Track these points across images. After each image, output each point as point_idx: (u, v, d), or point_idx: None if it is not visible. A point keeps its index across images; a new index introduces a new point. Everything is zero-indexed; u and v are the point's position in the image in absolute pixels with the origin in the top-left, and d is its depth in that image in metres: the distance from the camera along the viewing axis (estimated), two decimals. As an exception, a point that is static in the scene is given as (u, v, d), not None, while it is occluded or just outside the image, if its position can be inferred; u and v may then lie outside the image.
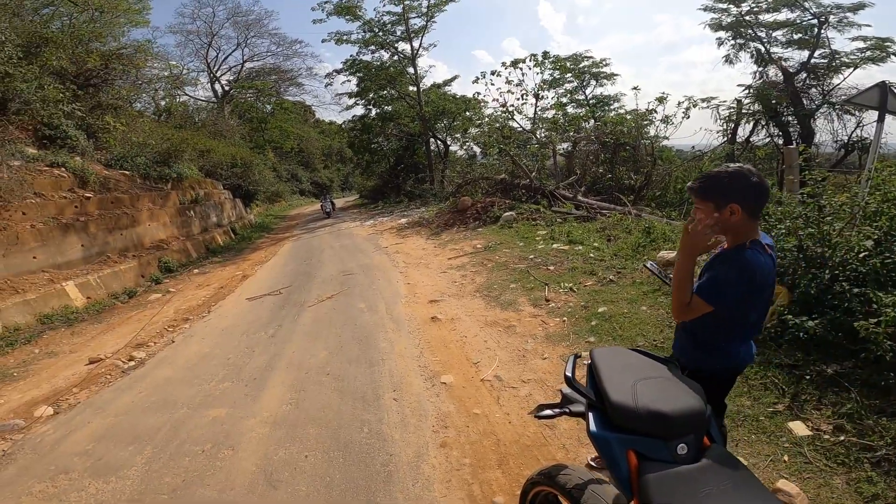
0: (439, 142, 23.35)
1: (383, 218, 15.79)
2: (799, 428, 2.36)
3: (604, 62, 20.09)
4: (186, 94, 25.71)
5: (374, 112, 23.38)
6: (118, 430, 3.32)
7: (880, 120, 3.59)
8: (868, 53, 12.08)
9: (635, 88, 15.94)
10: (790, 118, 13.37)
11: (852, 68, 12.40)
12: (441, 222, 11.78)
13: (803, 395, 2.74)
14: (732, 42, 14.31)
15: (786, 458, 2.24)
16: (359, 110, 24.35)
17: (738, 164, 1.67)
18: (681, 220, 9.19)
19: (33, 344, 5.38)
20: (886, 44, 11.85)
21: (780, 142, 13.31)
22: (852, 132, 12.92)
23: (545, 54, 14.47)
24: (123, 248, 8.80)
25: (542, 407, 1.51)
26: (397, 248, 9.79)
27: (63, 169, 8.38)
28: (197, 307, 6.74)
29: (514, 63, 13.63)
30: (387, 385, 3.61)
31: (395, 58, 21.02)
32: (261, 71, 29.59)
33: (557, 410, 1.44)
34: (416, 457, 2.71)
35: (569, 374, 1.49)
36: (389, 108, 22.73)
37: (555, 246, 7.24)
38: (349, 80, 22.75)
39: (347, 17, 19.79)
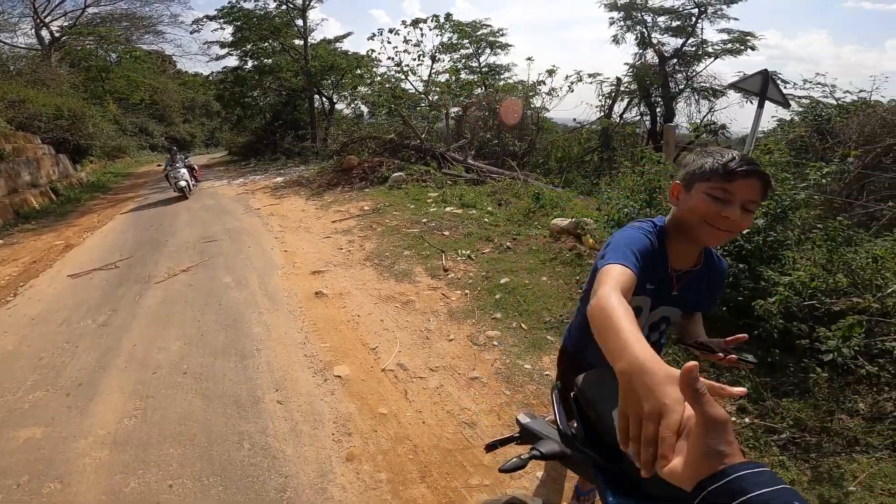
0: (325, 99, 21.48)
1: (256, 176, 14.02)
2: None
3: (501, 32, 20.29)
4: (1, 41, 21.10)
5: (250, 64, 20.59)
6: None
7: (760, 105, 3.77)
8: (729, 45, 13.64)
9: (529, 59, 16.40)
10: (658, 99, 14.69)
11: (713, 58, 13.98)
12: (323, 182, 10.75)
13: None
14: (622, 23, 15.11)
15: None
16: (232, 62, 21.33)
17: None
18: (564, 188, 9.59)
19: None
20: (747, 38, 13.46)
21: (647, 120, 14.70)
22: (704, 116, 14.64)
23: (447, 16, 13.82)
24: None
25: (493, 445, 1.07)
26: (272, 209, 8.62)
27: None
28: None
29: (416, 22, 12.82)
30: (266, 383, 2.94)
31: (283, 7, 18.51)
32: (108, 17, 24.54)
33: (526, 456, 0.99)
34: (318, 476, 2.18)
35: (559, 415, 1.05)
36: (270, 60, 20.18)
37: (448, 209, 6.91)
38: (222, 29, 19.60)
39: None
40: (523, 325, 3.46)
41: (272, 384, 2.92)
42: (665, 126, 5.76)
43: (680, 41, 14.47)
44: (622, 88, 15.09)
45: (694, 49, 14.38)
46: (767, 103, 3.95)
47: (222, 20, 19.10)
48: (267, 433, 2.49)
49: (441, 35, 14.58)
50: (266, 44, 19.84)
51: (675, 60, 14.57)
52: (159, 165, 12.71)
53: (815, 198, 3.34)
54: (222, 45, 20.43)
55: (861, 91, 7.55)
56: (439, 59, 14.48)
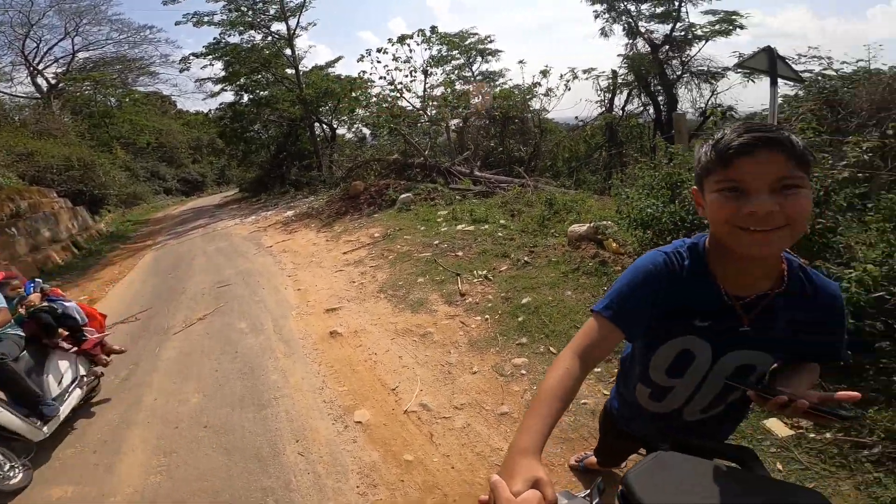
0: (325, 125, 21.64)
1: (267, 212, 14.12)
2: (778, 427, 2.06)
3: (489, 38, 20.38)
4: (1, 92, 21.43)
5: (246, 98, 20.84)
6: None
7: (773, 83, 3.57)
8: (717, 27, 13.40)
9: (521, 62, 16.33)
10: (658, 87, 14.43)
11: (704, 41, 13.72)
12: (332, 211, 10.71)
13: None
14: (606, 16, 14.97)
15: (779, 465, 1.93)
16: (228, 97, 21.63)
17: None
18: (577, 189, 9.36)
19: None
20: (733, 17, 13.22)
21: (651, 110, 14.42)
22: (708, 99, 14.34)
23: (433, 29, 13.82)
24: None
25: None
26: (284, 245, 8.58)
27: None
28: None
29: (402, 39, 12.84)
30: (286, 434, 2.81)
31: (269, 39, 18.82)
32: (99, 61, 25.07)
33: None
34: (345, 535, 2.02)
35: None
36: (265, 93, 20.38)
37: (459, 227, 6.75)
38: (211, 65, 19.88)
39: (206, -4, 17.16)
40: (552, 349, 3.24)
41: (292, 435, 2.79)
42: (675, 115, 5.59)
43: (668, 27, 14.29)
44: (619, 81, 14.90)
45: (683, 34, 14.19)
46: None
47: (210, 56, 19.28)
48: (290, 488, 2.38)
49: (430, 48, 14.66)
50: (259, 76, 20.05)
51: (667, 47, 14.35)
52: (186, 199, 12.96)
53: (858, 175, 3.07)
54: (214, 81, 20.71)
55: (859, 61, 7.35)
56: (431, 72, 14.51)
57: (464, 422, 2.67)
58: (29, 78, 23.20)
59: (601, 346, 0.90)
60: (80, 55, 24.54)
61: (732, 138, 0.80)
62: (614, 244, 4.47)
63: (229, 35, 18.44)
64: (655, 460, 0.81)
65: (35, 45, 22.88)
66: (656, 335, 1.01)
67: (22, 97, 23.05)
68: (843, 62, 7.59)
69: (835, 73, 7.47)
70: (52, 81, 23.87)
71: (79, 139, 19.71)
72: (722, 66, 13.94)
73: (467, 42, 19.50)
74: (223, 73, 20.02)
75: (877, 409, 2.00)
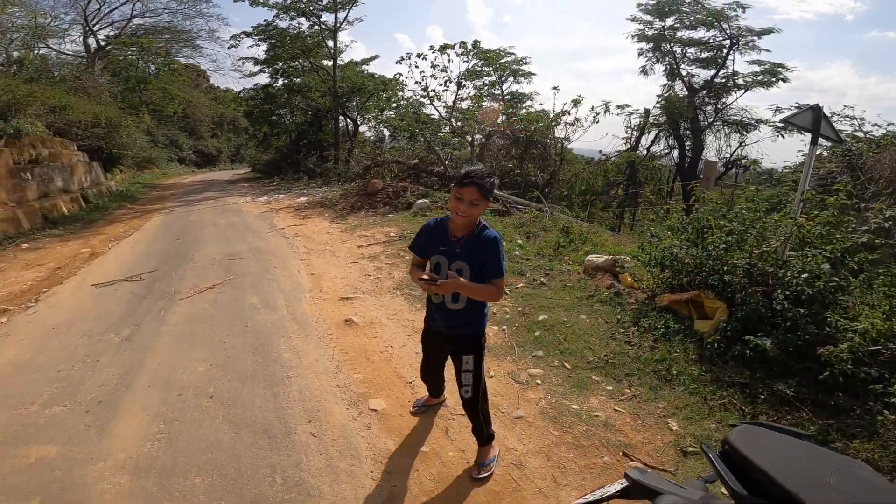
0: (349, 120, 21.84)
1: (279, 195, 14.15)
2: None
3: (524, 60, 20.47)
4: (49, 47, 21.83)
5: (280, 82, 21.11)
6: None
7: (813, 142, 3.65)
8: (760, 77, 13.50)
9: (555, 88, 16.49)
10: (688, 132, 14.58)
11: (743, 90, 13.83)
12: (347, 204, 10.76)
13: (762, 415, 2.67)
14: (651, 54, 15.20)
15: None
16: (263, 79, 21.89)
17: (478, 165, 2.17)
18: (588, 222, 9.47)
19: None
20: (778, 69, 13.36)
21: (675, 153, 14.57)
22: (735, 150, 14.47)
23: (475, 43, 14.06)
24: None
25: None
26: (296, 230, 8.61)
27: None
28: (19, 294, 5.07)
29: (443, 48, 13.07)
30: (299, 413, 2.80)
31: (315, 28, 19.08)
32: (151, 29, 25.60)
33: None
34: (361, 520, 2.04)
35: (726, 476, 1.00)
36: (299, 80, 20.61)
37: (475, 240, 6.82)
38: (257, 46, 20.28)
39: (270, -23, 17.32)
40: (566, 364, 3.32)
41: (304, 415, 2.79)
42: (706, 161, 5.69)
43: (710, 73, 14.42)
44: (651, 120, 14.99)
45: (724, 81, 14.27)
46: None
47: (258, 37, 19.67)
48: (301, 468, 2.35)
49: (468, 62, 14.82)
50: (297, 62, 20.33)
51: (705, 92, 14.47)
52: (198, 171, 13.17)
53: (875, 242, 3.24)
54: (256, 61, 21.05)
55: (889, 124, 7.39)
56: (465, 85, 14.67)
57: (479, 421, 2.70)
58: (81, 38, 23.73)
59: (418, 265, 2.24)
60: (136, 21, 25.16)
61: (463, 175, 1.94)
62: (629, 278, 4.55)
63: (281, 19, 18.72)
64: (745, 428, 1.07)
65: (98, 6, 23.50)
66: (426, 252, 2.20)
67: (69, 55, 23.55)
68: (875, 124, 7.61)
69: (863, 136, 7.49)
70: (102, 43, 24.42)
71: (111, 99, 20.07)
72: (756, 118, 13.99)
73: (503, 60, 19.71)
74: (265, 56, 20.31)
75: (859, 442, 2.35)
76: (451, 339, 2.25)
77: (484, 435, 2.32)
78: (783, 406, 2.70)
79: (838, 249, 3.15)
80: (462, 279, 1.94)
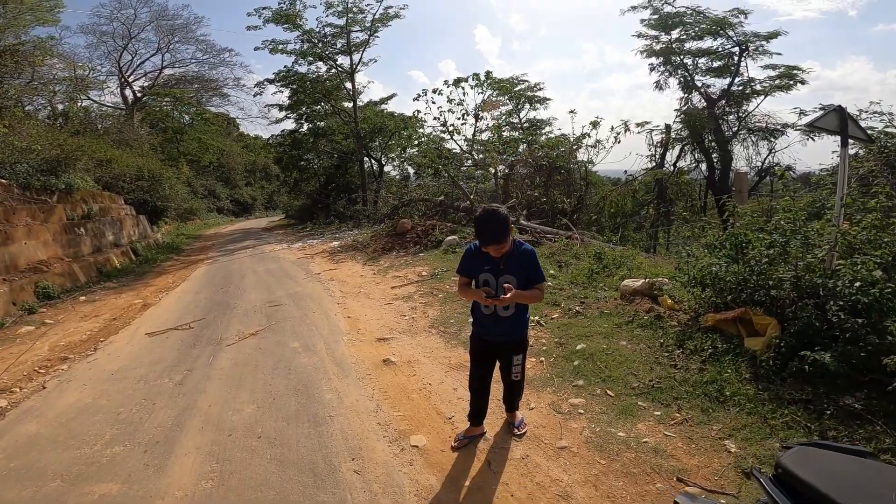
0: (373, 161, 22.50)
1: (313, 240, 14.62)
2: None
3: (538, 86, 20.68)
4: (90, 99, 23.06)
5: (305, 127, 22.07)
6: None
7: (843, 145, 3.56)
8: (778, 81, 13.22)
9: (572, 111, 16.25)
10: (713, 144, 14.28)
11: (763, 96, 13.53)
12: (378, 246, 10.98)
13: (830, 431, 2.51)
14: (662, 69, 15.17)
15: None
16: (289, 125, 23.00)
17: (486, 208, 2.44)
18: (621, 245, 9.32)
19: None
20: (794, 71, 13.07)
21: (704, 166, 14.21)
22: (766, 157, 14.07)
23: (487, 74, 14.34)
24: (-11, 270, 7.08)
25: None
26: (331, 274, 8.86)
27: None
28: (80, 343, 5.42)
29: (457, 82, 13.33)
30: (342, 451, 2.84)
31: (333, 71, 20.05)
32: (181, 79, 27.06)
33: None
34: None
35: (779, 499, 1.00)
36: (322, 123, 21.54)
37: (506, 272, 6.81)
38: (280, 92, 21.51)
39: (286, 26, 18.52)
40: (609, 392, 3.24)
41: (348, 452, 2.82)
42: (736, 173, 5.56)
43: (725, 81, 14.18)
44: (673, 136, 14.78)
45: (741, 88, 14.00)
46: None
47: (280, 83, 20.63)
48: (347, 505, 2.37)
49: (483, 93, 15.03)
50: (319, 106, 21.09)
51: (724, 101, 14.20)
52: (236, 220, 13.34)
53: None
54: (281, 107, 22.01)
55: None
56: (482, 116, 14.89)
57: (522, 453, 2.67)
58: (119, 89, 25.13)
59: (464, 283, 2.61)
60: (166, 71, 26.44)
61: (482, 236, 2.42)
62: (669, 300, 4.43)
63: (299, 64, 19.79)
64: (799, 450, 1.07)
65: (130, 57, 25.04)
66: (473, 273, 2.57)
67: (109, 106, 24.77)
68: None
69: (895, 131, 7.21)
70: (138, 94, 25.66)
71: (152, 151, 20.70)
72: (781, 123, 13.60)
73: (517, 88, 19.92)
74: (289, 101, 21.23)
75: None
76: (503, 345, 2.66)
77: (517, 404, 2.91)
78: (853, 420, 2.54)
79: (888, 253, 3.01)
80: (516, 290, 2.36)
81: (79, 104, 20.75)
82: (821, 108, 12.31)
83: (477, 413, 2.81)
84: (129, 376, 4.25)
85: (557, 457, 2.61)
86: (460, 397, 3.36)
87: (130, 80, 25.44)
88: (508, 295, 2.30)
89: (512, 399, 2.87)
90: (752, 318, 3.37)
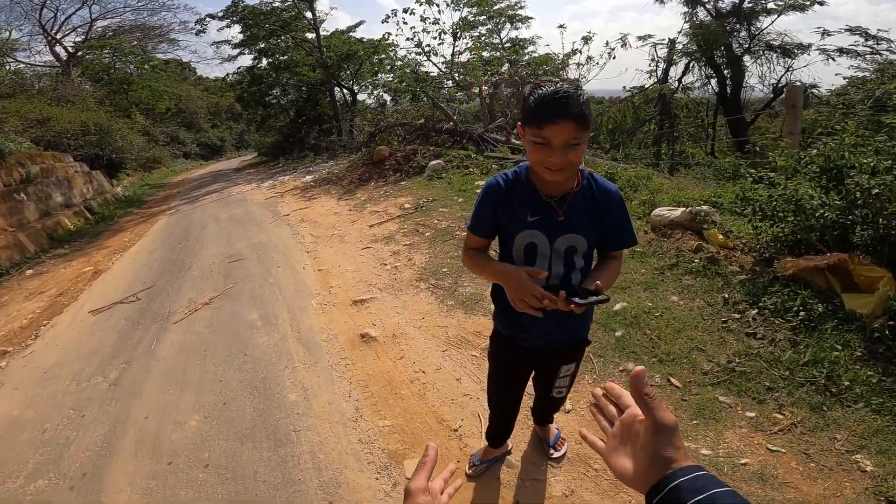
0: (345, 90, 20.78)
1: (284, 177, 13.36)
2: None
3: (519, 4, 18.77)
4: (18, 61, 21.83)
5: (265, 62, 20.08)
6: None
7: None
8: (791, 1, 11.78)
9: (561, 26, 14.79)
10: (723, 59, 12.97)
11: (776, 14, 12.24)
12: (354, 177, 9.87)
13: None
14: None
15: None
16: (246, 61, 20.98)
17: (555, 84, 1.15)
18: (625, 164, 8.30)
19: None
20: None
21: (714, 82, 13.01)
22: (782, 76, 12.89)
23: None
24: None
25: None
26: (302, 214, 7.79)
27: None
28: (20, 331, 4.51)
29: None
30: (313, 488, 2.04)
31: (289, 1, 17.81)
32: (118, 29, 25.18)
33: None
34: None
35: None
36: (284, 57, 19.53)
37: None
38: (229, 27, 19.20)
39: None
40: (673, 380, 2.36)
41: (321, 490, 2.03)
42: (789, 87, 4.59)
43: None
44: (678, 50, 13.45)
45: (752, 5, 12.64)
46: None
47: (227, 19, 18.62)
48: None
49: (459, 10, 13.45)
50: (278, 40, 19.26)
51: (734, 18, 12.81)
52: (205, 163, 12.67)
53: None
54: (233, 45, 20.09)
55: None
56: (461, 36, 13.33)
57: (565, 487, 1.85)
58: (47, 48, 23.42)
59: (479, 247, 1.44)
60: (99, 24, 24.70)
61: (544, 110, 1.10)
62: (719, 236, 3.51)
63: None
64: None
65: (52, 14, 23.13)
66: (507, 231, 1.37)
67: (41, 66, 23.21)
68: None
69: None
70: (71, 50, 23.94)
71: (97, 105, 19.63)
72: (797, 42, 12.41)
73: (496, 7, 18.07)
74: (241, 37, 19.26)
75: None
76: (550, 351, 1.55)
77: (552, 416, 2.04)
78: None
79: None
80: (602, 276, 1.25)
81: (6, 68, 19.68)
82: (847, 29, 11.71)
83: (500, 435, 1.95)
84: (62, 374, 3.47)
85: (616, 492, 1.79)
86: (466, 393, 2.50)
87: (59, 37, 23.64)
88: (591, 300, 1.10)
89: (547, 412, 1.98)
90: (854, 267, 2.47)
